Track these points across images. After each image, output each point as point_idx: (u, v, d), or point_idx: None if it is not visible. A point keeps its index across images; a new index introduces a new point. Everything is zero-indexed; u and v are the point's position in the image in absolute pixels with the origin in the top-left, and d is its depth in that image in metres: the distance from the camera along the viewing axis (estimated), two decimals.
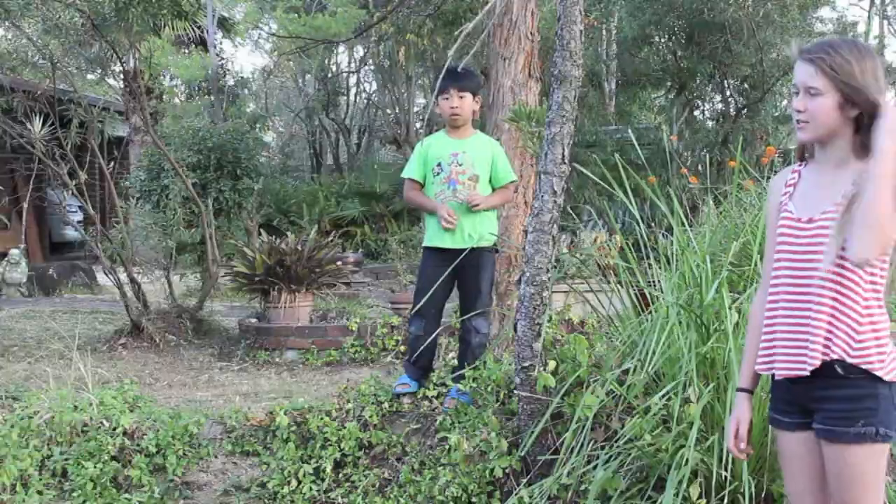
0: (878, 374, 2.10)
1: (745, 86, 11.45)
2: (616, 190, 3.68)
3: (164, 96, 14.95)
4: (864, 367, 2.10)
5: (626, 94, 13.25)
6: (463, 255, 4.04)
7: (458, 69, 4.14)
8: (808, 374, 2.14)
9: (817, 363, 2.12)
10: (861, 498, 2.13)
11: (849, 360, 2.10)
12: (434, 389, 4.18)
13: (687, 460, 2.81)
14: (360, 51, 18.79)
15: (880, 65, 2.16)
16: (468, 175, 4.13)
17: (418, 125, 16.32)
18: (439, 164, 4.14)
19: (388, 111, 17.51)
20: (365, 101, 20.17)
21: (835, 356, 2.11)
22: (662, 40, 11.80)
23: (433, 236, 4.16)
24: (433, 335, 4.11)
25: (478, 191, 4.14)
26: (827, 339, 2.12)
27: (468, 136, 4.22)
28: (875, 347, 2.11)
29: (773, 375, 2.27)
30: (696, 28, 10.88)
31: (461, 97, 4.14)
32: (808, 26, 11.33)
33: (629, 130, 9.02)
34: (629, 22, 11.72)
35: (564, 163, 3.38)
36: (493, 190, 4.21)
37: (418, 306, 4.09)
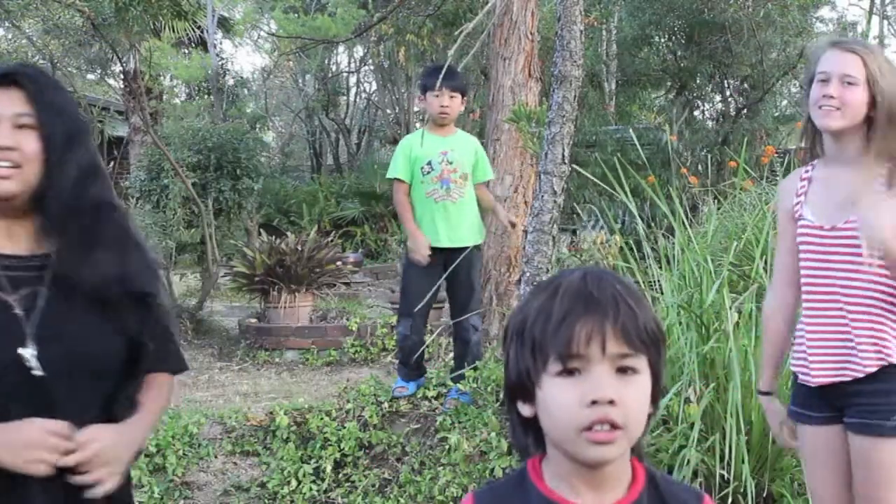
0: None
1: (745, 86, 11.43)
2: (616, 190, 3.68)
3: (163, 96, 14.94)
4: None
5: (626, 94, 13.22)
6: (452, 254, 4.03)
7: (453, 69, 4.12)
8: (856, 378, 2.08)
9: (872, 369, 2.06)
10: (890, 496, 2.05)
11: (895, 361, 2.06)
12: (434, 390, 4.18)
13: (688, 460, 2.81)
14: (359, 51, 18.80)
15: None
16: (459, 174, 4.11)
17: (418, 125, 16.30)
18: (429, 164, 4.09)
19: (388, 111, 17.52)
20: (365, 101, 20.16)
21: (893, 360, 2.06)
22: (662, 40, 11.78)
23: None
24: (422, 334, 4.11)
25: (467, 188, 4.13)
26: (877, 344, 2.07)
27: (452, 133, 4.21)
28: None
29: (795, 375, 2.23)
30: (696, 28, 10.87)
31: (452, 97, 4.12)
32: (808, 26, 11.32)
33: (630, 130, 9.01)
34: (629, 22, 11.72)
35: (564, 163, 3.38)
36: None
37: (417, 307, 4.07)
